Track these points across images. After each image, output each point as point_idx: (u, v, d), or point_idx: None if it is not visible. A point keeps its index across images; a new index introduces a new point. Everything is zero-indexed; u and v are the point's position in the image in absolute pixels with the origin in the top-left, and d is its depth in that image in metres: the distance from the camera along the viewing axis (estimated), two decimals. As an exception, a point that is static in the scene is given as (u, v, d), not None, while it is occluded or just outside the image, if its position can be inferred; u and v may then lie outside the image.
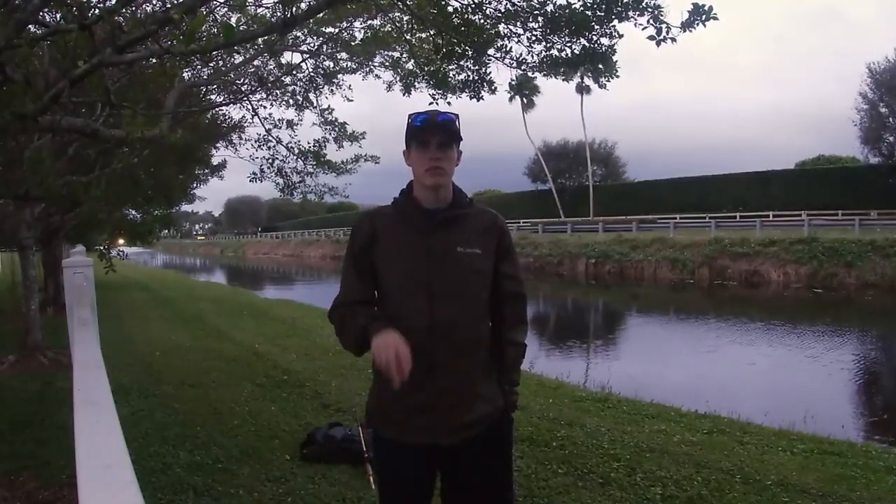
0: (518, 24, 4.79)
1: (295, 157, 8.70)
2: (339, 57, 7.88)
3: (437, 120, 1.83)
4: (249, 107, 8.37)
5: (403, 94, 7.03)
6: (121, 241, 12.62)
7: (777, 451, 4.66)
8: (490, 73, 5.48)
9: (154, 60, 4.44)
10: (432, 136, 1.81)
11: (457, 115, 1.88)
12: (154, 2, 5.12)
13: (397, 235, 1.87)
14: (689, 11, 3.53)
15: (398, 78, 7.42)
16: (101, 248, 9.06)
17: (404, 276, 1.84)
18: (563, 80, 5.49)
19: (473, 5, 4.79)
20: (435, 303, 1.80)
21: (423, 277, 1.81)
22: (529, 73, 5.34)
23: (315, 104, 8.35)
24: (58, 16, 3.51)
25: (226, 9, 6.02)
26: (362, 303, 1.88)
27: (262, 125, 8.46)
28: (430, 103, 5.86)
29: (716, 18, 3.53)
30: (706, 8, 3.51)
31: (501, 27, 4.95)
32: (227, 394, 5.85)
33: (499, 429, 1.93)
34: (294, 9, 3.05)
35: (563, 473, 3.91)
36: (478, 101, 5.58)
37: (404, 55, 7.10)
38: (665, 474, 3.89)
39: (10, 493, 3.54)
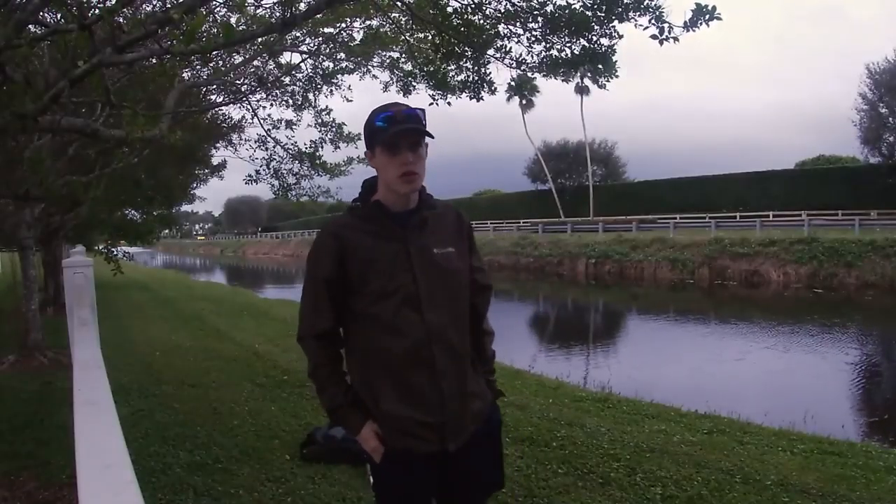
0: (518, 24, 4.80)
1: (291, 159, 8.72)
2: (338, 57, 7.89)
3: (404, 118, 1.67)
4: (249, 107, 8.39)
5: (398, 94, 7.04)
6: (121, 242, 12.66)
7: (777, 451, 4.66)
8: (490, 73, 5.48)
9: (154, 60, 4.44)
10: (401, 139, 1.67)
11: (423, 110, 1.74)
12: (154, 2, 5.13)
13: (370, 247, 1.72)
14: (692, 11, 3.52)
15: (395, 79, 7.43)
16: (106, 249, 9.07)
17: (388, 287, 1.71)
18: (563, 80, 5.50)
19: (473, 5, 4.79)
20: (425, 310, 1.71)
21: (409, 286, 1.71)
22: (529, 74, 5.34)
23: (314, 104, 8.37)
24: (58, 16, 3.51)
25: (225, 9, 6.02)
26: (329, 338, 1.79)
27: (262, 126, 8.47)
28: (430, 104, 5.87)
29: (719, 18, 3.52)
30: (709, 7, 3.50)
31: (501, 27, 4.95)
32: (227, 394, 5.85)
33: (492, 420, 1.91)
34: (293, 9, 3.05)
35: (563, 473, 3.91)
36: (477, 101, 5.59)
37: (403, 56, 7.11)
38: (665, 474, 3.89)
39: (10, 493, 3.54)
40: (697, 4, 3.49)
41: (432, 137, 1.74)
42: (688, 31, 3.68)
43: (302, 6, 3.45)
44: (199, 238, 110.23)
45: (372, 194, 1.79)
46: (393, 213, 1.75)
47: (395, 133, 1.67)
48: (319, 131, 8.48)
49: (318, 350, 1.80)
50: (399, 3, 5.38)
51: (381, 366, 1.75)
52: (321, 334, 1.79)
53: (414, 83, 6.73)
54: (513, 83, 6.25)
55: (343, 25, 7.15)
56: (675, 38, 3.81)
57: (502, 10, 4.76)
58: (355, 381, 1.81)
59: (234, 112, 9.59)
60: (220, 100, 8.49)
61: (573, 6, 4.28)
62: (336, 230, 1.77)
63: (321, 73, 8.01)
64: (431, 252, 1.75)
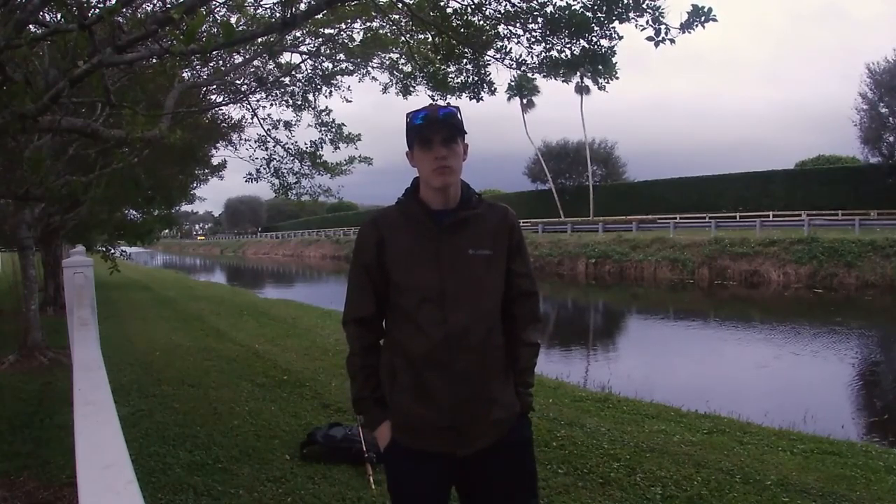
0: (518, 25, 4.80)
1: (292, 158, 8.74)
2: (338, 58, 7.90)
3: (439, 115, 1.74)
4: (249, 107, 8.41)
5: (398, 95, 7.06)
6: (121, 242, 12.67)
7: (777, 451, 4.66)
8: (489, 74, 5.49)
9: (154, 60, 4.44)
10: (435, 133, 1.72)
11: (458, 108, 1.79)
12: (154, 2, 5.13)
13: (405, 240, 1.77)
14: (688, 13, 3.52)
15: (395, 80, 7.44)
16: (104, 248, 9.09)
17: (415, 283, 1.75)
18: (563, 80, 5.50)
19: (473, 6, 4.80)
20: (448, 310, 1.72)
21: (435, 284, 1.73)
22: (529, 74, 5.35)
23: (313, 105, 8.39)
24: (58, 16, 3.51)
25: (225, 9, 6.02)
26: (370, 324, 1.84)
27: (262, 125, 8.49)
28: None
29: (714, 20, 3.52)
30: (706, 9, 3.50)
31: (501, 28, 4.96)
32: (227, 394, 5.85)
33: (517, 433, 1.83)
34: (293, 9, 3.06)
35: (563, 473, 3.91)
36: (477, 101, 5.60)
37: (402, 57, 7.12)
38: (665, 474, 3.90)
39: (9, 493, 3.54)
40: (694, 6, 3.49)
41: (465, 133, 1.78)
42: (684, 32, 3.68)
43: (302, 6, 3.46)
44: (199, 238, 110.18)
45: (417, 193, 1.82)
46: (431, 211, 1.78)
47: (429, 128, 1.73)
48: (319, 131, 8.51)
49: (357, 337, 1.84)
50: (399, 4, 5.38)
51: (402, 358, 1.78)
52: (361, 320, 1.83)
53: (413, 84, 6.73)
54: (513, 83, 6.29)
55: (343, 26, 7.16)
56: (672, 41, 3.81)
57: (502, 11, 4.76)
58: (382, 369, 1.83)
59: (234, 112, 9.64)
60: (220, 100, 8.52)
61: (573, 7, 4.29)
62: (377, 219, 1.83)
63: (321, 73, 8.03)
64: (465, 253, 1.75)
